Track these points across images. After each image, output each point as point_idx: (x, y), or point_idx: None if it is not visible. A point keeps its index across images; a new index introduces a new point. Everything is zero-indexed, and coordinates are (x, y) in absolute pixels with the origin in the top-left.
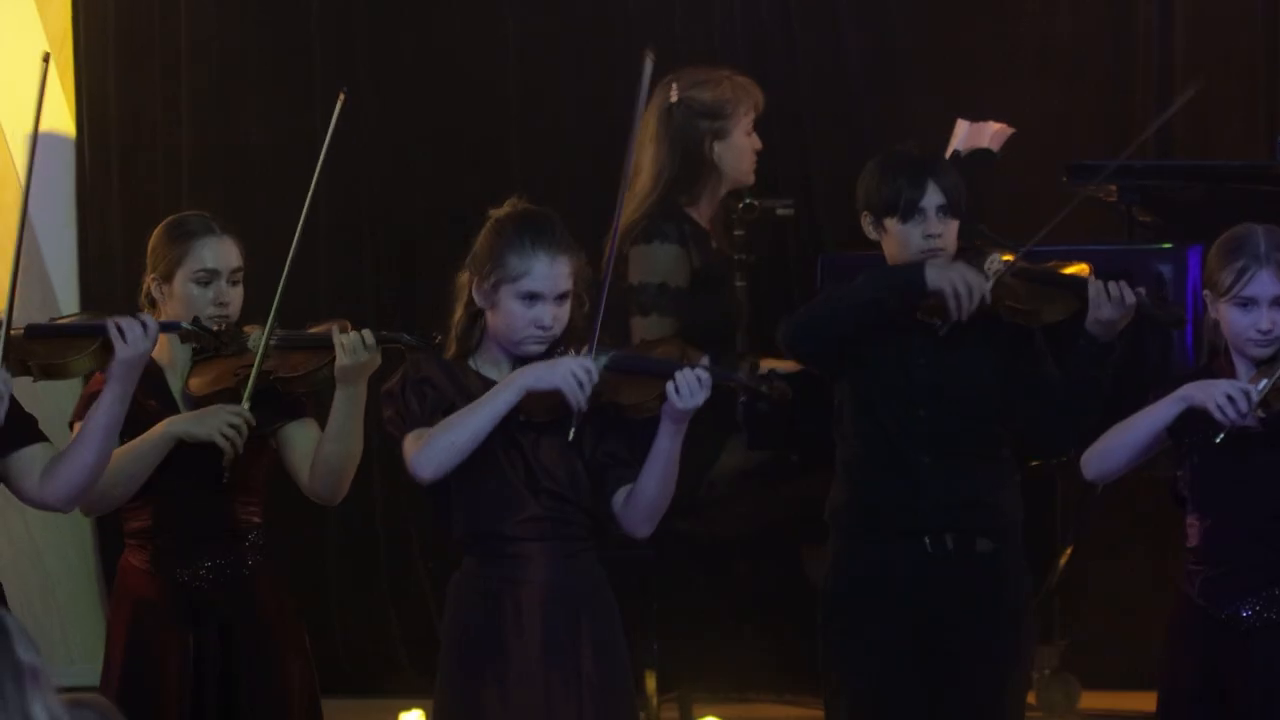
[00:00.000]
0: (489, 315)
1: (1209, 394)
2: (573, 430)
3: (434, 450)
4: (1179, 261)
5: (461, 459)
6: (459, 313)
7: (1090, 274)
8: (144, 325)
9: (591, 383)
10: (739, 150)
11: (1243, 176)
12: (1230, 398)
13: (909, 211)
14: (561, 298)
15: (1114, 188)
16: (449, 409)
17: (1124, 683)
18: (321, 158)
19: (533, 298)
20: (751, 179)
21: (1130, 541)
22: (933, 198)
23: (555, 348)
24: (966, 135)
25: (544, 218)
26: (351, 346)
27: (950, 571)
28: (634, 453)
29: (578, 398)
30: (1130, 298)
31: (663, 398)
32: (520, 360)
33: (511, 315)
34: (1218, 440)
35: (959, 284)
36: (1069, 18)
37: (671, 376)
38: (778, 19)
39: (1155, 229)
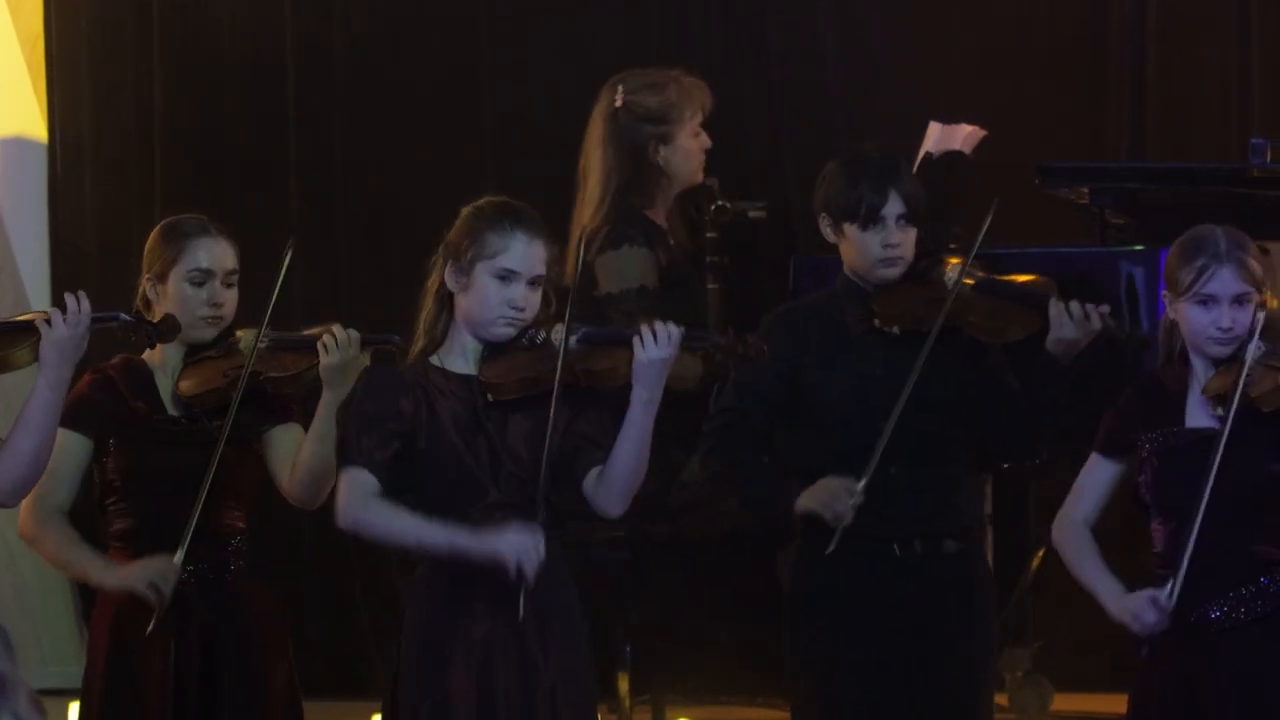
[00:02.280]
0: (460, 299)
1: None
2: (521, 610)
3: (362, 523)
4: (1151, 264)
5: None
6: (428, 303)
7: (1052, 293)
8: (70, 313)
9: (540, 560)
10: (685, 153)
11: (1216, 179)
12: None
13: (870, 219)
14: (534, 282)
15: (1086, 190)
16: (390, 437)
17: (1096, 685)
18: (273, 301)
19: (508, 276)
20: (700, 178)
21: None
22: (894, 206)
23: (524, 333)
24: (939, 137)
25: (522, 205)
26: (338, 345)
27: (919, 574)
28: (605, 435)
29: (530, 569)
30: (1095, 319)
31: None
32: (489, 345)
33: (485, 293)
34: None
35: (821, 506)
36: (1044, 21)
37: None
38: (753, 17)
39: (1128, 231)
